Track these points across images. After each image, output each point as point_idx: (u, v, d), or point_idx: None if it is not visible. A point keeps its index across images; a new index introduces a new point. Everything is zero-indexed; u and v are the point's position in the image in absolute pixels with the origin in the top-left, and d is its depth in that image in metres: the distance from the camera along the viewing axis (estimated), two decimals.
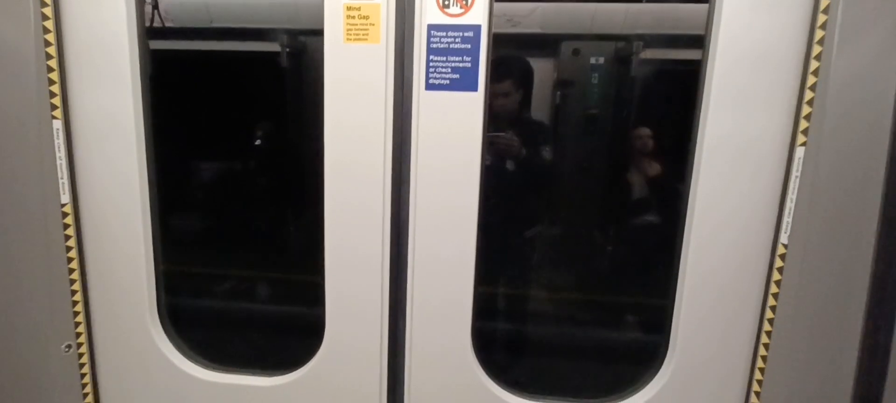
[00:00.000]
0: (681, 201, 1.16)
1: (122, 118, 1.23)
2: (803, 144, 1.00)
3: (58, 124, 1.22)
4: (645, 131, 1.49)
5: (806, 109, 1.00)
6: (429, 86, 1.13)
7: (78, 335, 1.34)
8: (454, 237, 1.19)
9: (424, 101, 1.14)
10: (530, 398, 1.31)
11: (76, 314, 1.33)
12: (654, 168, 1.50)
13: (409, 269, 1.24)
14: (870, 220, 0.92)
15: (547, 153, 1.57)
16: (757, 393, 1.16)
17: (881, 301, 0.91)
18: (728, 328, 1.17)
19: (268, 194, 1.55)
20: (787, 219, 1.05)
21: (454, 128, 1.14)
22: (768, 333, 1.12)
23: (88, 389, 1.40)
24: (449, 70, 1.12)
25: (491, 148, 1.43)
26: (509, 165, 1.50)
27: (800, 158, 1.01)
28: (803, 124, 1.00)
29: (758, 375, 1.15)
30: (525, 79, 1.53)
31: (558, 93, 1.56)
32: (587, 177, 1.58)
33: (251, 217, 1.57)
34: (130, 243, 1.31)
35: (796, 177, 1.02)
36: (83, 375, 1.38)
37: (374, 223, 1.20)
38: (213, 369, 1.41)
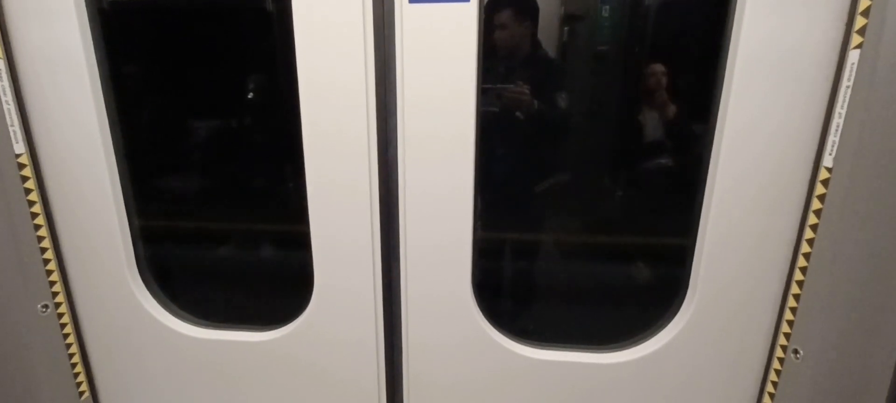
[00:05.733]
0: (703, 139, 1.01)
1: (73, 57, 1.10)
2: (858, 46, 0.84)
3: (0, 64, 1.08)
4: (659, 68, 1.32)
5: (864, 3, 0.83)
6: None
7: (54, 294, 1.26)
8: (449, 170, 1.07)
9: (409, 16, 0.98)
10: (536, 346, 1.22)
11: (50, 273, 1.25)
12: (675, 108, 1.33)
13: (401, 209, 1.12)
14: None
15: (557, 98, 1.41)
16: (786, 335, 1.05)
17: None
18: (757, 263, 1.05)
19: (252, 145, 1.41)
20: (834, 138, 0.90)
21: (445, 46, 0.98)
22: (803, 270, 1.00)
23: (73, 349, 1.34)
24: None
25: (498, 102, 1.28)
26: (518, 115, 1.35)
27: (853, 63, 0.85)
28: (860, 22, 0.83)
29: (788, 315, 1.04)
30: (529, 14, 1.35)
31: (566, 29, 1.38)
32: (599, 123, 1.42)
33: (235, 168, 1.44)
34: (98, 194, 1.21)
35: (847, 86, 0.86)
36: (66, 335, 1.31)
37: (358, 158, 1.08)
38: (201, 325, 1.34)
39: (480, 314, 1.21)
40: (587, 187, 1.50)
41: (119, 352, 1.37)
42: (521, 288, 1.65)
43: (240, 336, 1.32)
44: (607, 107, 1.42)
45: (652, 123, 1.40)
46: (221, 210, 1.43)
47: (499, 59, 1.35)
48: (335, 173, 1.10)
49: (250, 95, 1.29)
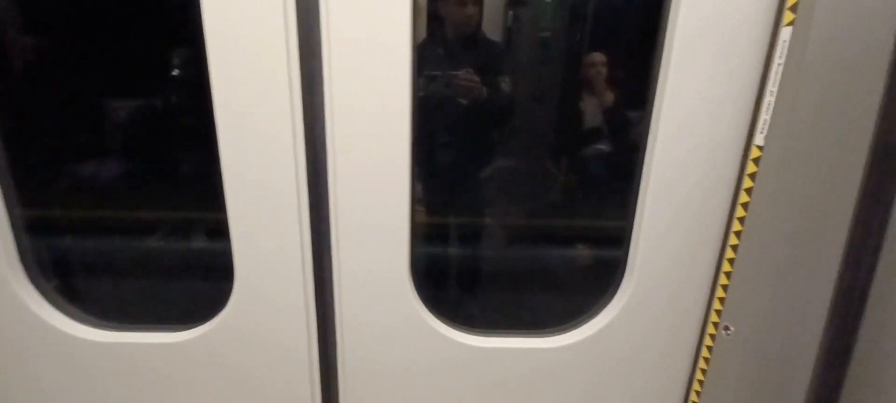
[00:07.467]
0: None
1: None
2: (791, 24, 0.84)
3: None
4: (600, 58, 1.30)
5: None
6: None
7: None
8: (383, 145, 0.98)
9: None
10: (475, 332, 1.18)
11: None
12: (616, 94, 1.32)
13: (330, 189, 1.02)
14: (866, 115, 0.77)
15: (501, 84, 1.36)
16: (718, 312, 1.07)
17: (868, 218, 0.77)
18: (691, 243, 1.06)
19: (158, 123, 1.25)
20: (765, 116, 0.90)
21: (375, 7, 0.89)
22: (734, 247, 1.01)
23: None
24: None
25: (448, 89, 1.24)
26: (463, 101, 1.30)
27: (785, 41, 0.85)
28: None
29: (720, 293, 1.06)
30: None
31: (510, 13, 1.33)
32: (546, 110, 1.39)
33: (140, 149, 1.28)
34: None
35: (779, 64, 0.86)
36: None
37: (281, 138, 0.97)
38: (105, 327, 1.19)
39: (419, 301, 1.15)
40: (531, 172, 1.47)
41: (5, 362, 1.19)
42: (463, 274, 1.61)
43: (152, 337, 1.18)
44: (551, 92, 1.39)
45: (593, 109, 1.39)
46: (126, 197, 1.27)
47: (442, 42, 1.29)
48: (255, 151, 0.98)
49: (155, 65, 1.14)
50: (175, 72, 1.15)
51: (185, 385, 1.21)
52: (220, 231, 1.06)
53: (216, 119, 0.96)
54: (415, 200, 1.07)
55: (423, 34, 1.19)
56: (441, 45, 1.30)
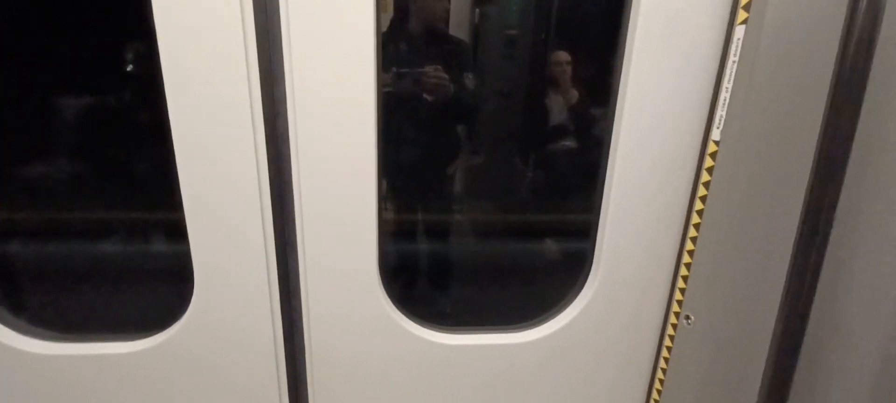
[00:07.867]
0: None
1: None
2: (744, 22, 0.86)
3: None
4: (564, 56, 1.31)
5: None
6: None
7: None
8: (348, 140, 0.96)
9: None
10: (444, 330, 1.18)
11: None
12: (582, 91, 1.33)
13: (295, 186, 0.99)
14: (815, 109, 0.80)
15: (467, 80, 1.35)
16: (679, 302, 1.11)
17: (817, 208, 0.81)
18: (653, 236, 1.08)
19: (101, 117, 1.19)
20: (721, 112, 0.93)
21: None
22: (694, 240, 1.04)
23: None
24: None
25: (416, 86, 1.24)
26: (429, 98, 1.28)
27: (739, 39, 0.88)
28: None
29: (681, 283, 1.09)
30: None
31: (477, 11, 1.33)
32: (512, 107, 1.39)
33: (82, 145, 1.21)
34: None
35: (734, 61, 0.89)
36: None
37: (240, 135, 0.93)
38: (54, 340, 1.12)
39: (388, 299, 1.14)
40: (497, 169, 1.48)
41: None
42: (433, 272, 1.61)
43: (107, 348, 1.12)
44: (517, 90, 1.40)
45: (559, 106, 1.40)
46: (73, 199, 1.20)
47: (406, 38, 1.27)
48: (212, 150, 0.94)
49: (100, 58, 1.08)
50: (124, 66, 1.09)
51: (146, 398, 1.16)
52: (177, 233, 1.02)
53: (170, 114, 0.91)
54: (382, 196, 1.06)
55: (386, 27, 1.17)
56: (405, 40, 1.28)
